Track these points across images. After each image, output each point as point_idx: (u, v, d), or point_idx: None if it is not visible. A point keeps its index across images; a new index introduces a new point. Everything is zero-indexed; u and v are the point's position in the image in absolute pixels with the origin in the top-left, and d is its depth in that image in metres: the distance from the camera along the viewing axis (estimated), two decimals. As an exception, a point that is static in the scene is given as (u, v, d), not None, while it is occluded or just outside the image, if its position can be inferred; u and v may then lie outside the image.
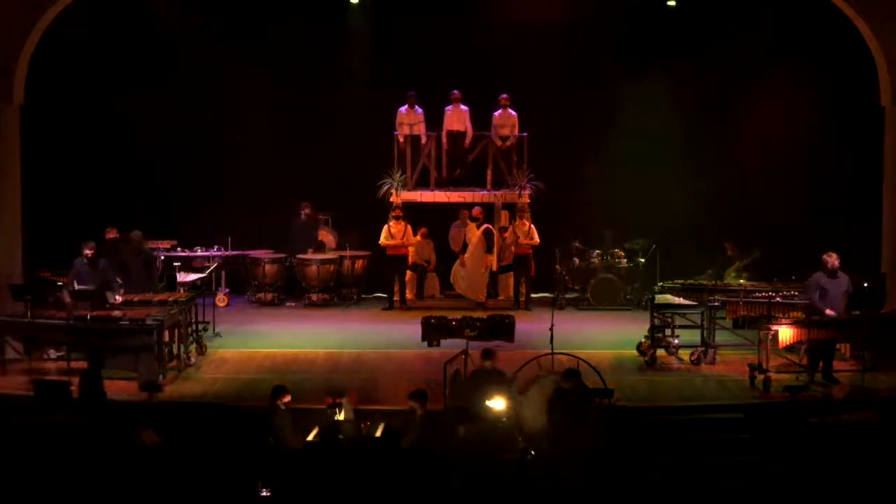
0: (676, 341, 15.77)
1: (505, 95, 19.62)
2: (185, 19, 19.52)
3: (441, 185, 19.75)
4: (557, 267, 19.55)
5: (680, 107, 19.84)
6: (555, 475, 11.54)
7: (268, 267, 19.63)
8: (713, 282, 16.89)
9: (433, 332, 14.18)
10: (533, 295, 19.58)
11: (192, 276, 17.96)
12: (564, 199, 19.87)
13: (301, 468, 11.37)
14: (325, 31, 20.24)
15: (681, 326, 15.84)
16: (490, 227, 19.37)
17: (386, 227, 19.23)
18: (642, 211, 19.78)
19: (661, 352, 15.70)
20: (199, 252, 19.37)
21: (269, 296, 19.71)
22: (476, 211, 19.41)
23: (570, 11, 19.56)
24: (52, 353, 15.07)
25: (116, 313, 14.75)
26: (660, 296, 16.21)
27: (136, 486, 11.01)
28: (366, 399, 13.59)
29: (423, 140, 19.71)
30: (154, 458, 11.60)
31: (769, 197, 19.68)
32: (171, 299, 15.57)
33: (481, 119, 19.80)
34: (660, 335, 15.78)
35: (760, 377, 14.27)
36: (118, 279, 15.80)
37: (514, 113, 19.67)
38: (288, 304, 19.77)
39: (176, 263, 18.13)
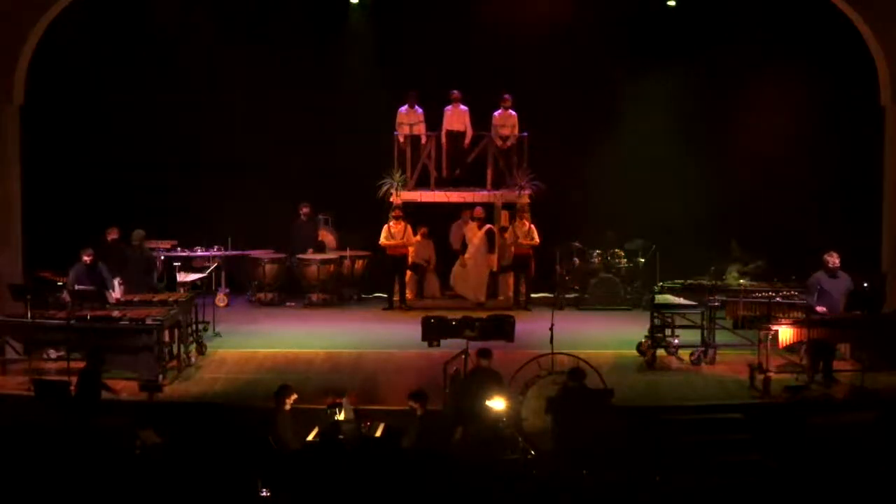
0: (676, 341, 15.77)
1: (507, 95, 19.62)
2: (185, 19, 19.53)
3: (441, 185, 19.75)
4: (557, 267, 19.56)
5: (680, 106, 19.82)
6: (559, 475, 11.56)
7: (268, 267, 19.63)
8: (713, 282, 16.89)
9: (433, 332, 14.16)
10: (533, 295, 19.58)
11: (192, 276, 17.95)
12: (564, 199, 19.87)
13: (301, 468, 11.37)
14: (325, 31, 20.25)
15: (681, 326, 15.85)
16: (492, 227, 19.37)
17: (386, 227, 19.22)
18: (642, 211, 19.79)
19: (661, 352, 15.70)
20: (199, 252, 19.36)
21: (269, 296, 19.71)
22: (478, 211, 19.41)
23: (571, 11, 19.58)
24: (52, 353, 15.05)
25: (116, 313, 14.75)
26: (660, 296, 16.21)
27: (136, 486, 11.01)
28: (366, 399, 13.60)
29: (423, 140, 19.71)
30: (154, 458, 11.62)
31: (769, 196, 19.69)
32: (171, 299, 15.58)
33: (481, 119, 19.80)
34: (660, 335, 15.79)
35: (760, 377, 14.26)
36: (118, 280, 15.83)
37: (514, 113, 19.65)
38: (288, 304, 19.76)
39: (176, 263, 18.11)
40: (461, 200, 19.72)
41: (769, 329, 14.54)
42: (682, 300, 15.95)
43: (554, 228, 19.54)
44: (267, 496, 11.07)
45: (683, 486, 11.67)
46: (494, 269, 19.38)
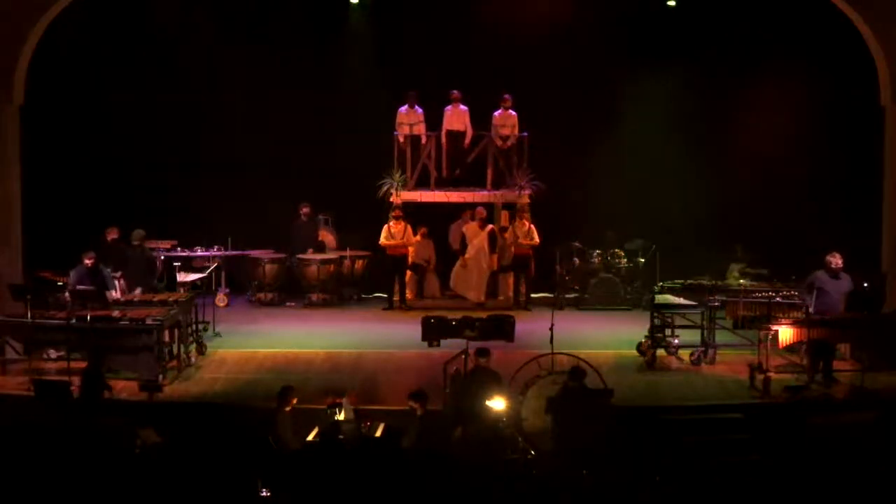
0: (676, 341, 15.77)
1: (507, 95, 19.61)
2: (185, 19, 19.53)
3: (441, 185, 19.75)
4: (557, 267, 19.56)
5: (680, 106, 19.83)
6: (559, 475, 11.56)
7: (268, 267, 19.63)
8: (713, 281, 16.89)
9: (433, 332, 14.15)
10: (533, 295, 19.58)
11: (192, 276, 17.95)
12: (564, 199, 19.87)
13: (301, 468, 11.37)
14: (325, 31, 20.25)
15: (681, 326, 15.85)
16: (494, 228, 19.37)
17: (386, 227, 19.22)
18: (642, 211, 19.79)
19: (661, 352, 15.70)
20: (199, 252, 19.36)
21: (269, 296, 19.72)
22: (480, 211, 19.41)
23: (571, 11, 19.57)
24: (52, 353, 15.05)
25: (116, 313, 14.76)
26: (660, 296, 16.21)
27: (136, 486, 11.01)
28: (366, 399, 13.60)
29: (423, 140, 19.71)
30: (154, 457, 11.62)
31: (769, 196, 19.69)
32: (171, 299, 15.57)
33: (481, 119, 19.80)
34: (660, 335, 15.79)
35: (760, 377, 14.26)
36: (119, 280, 15.82)
37: (514, 113, 19.65)
38: (288, 304, 19.76)
39: (176, 263, 18.11)
40: (461, 200, 19.73)
41: (769, 329, 14.53)
42: (682, 300, 15.95)
43: (554, 228, 19.54)
44: (267, 496, 11.06)
45: (683, 486, 11.67)
46: (495, 269, 19.39)
